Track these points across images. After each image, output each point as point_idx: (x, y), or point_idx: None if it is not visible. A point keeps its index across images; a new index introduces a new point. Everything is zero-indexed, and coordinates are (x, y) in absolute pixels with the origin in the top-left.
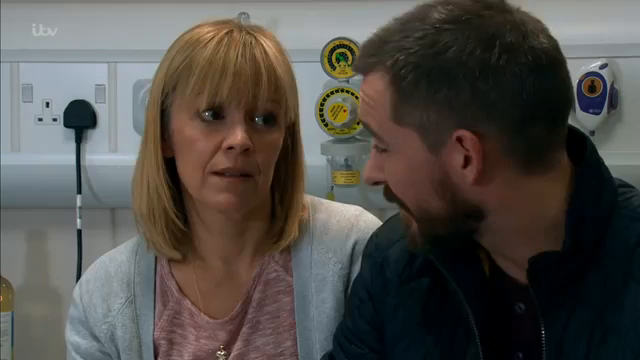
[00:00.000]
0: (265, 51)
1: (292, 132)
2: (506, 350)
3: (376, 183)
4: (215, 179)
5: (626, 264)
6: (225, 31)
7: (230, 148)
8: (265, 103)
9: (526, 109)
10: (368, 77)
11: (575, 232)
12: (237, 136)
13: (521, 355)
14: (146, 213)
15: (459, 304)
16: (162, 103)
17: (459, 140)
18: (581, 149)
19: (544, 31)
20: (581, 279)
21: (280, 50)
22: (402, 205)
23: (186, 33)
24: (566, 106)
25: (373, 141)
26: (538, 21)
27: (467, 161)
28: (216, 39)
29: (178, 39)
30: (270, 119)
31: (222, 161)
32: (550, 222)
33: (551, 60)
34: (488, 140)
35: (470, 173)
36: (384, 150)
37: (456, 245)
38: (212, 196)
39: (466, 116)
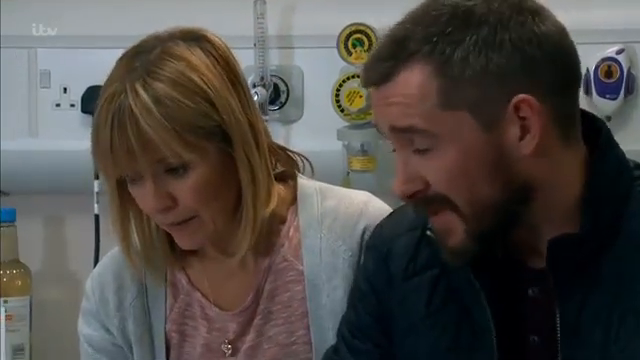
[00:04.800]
0: (135, 116)
1: (229, 144)
2: (520, 335)
3: (412, 196)
4: (166, 227)
5: None
6: (110, 98)
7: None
8: (153, 165)
9: (561, 71)
10: (397, 79)
11: (593, 214)
12: (147, 204)
13: (536, 338)
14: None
15: (463, 297)
16: None
17: (516, 109)
18: (591, 132)
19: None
20: (597, 262)
21: (159, 96)
22: (448, 206)
23: None
24: (580, 78)
25: (405, 149)
26: None
27: (524, 132)
28: (101, 116)
29: None
30: (175, 169)
31: (157, 220)
32: (571, 203)
33: (566, 31)
34: (542, 104)
35: (528, 143)
36: (426, 150)
37: (499, 240)
38: (176, 239)
39: (519, 82)
